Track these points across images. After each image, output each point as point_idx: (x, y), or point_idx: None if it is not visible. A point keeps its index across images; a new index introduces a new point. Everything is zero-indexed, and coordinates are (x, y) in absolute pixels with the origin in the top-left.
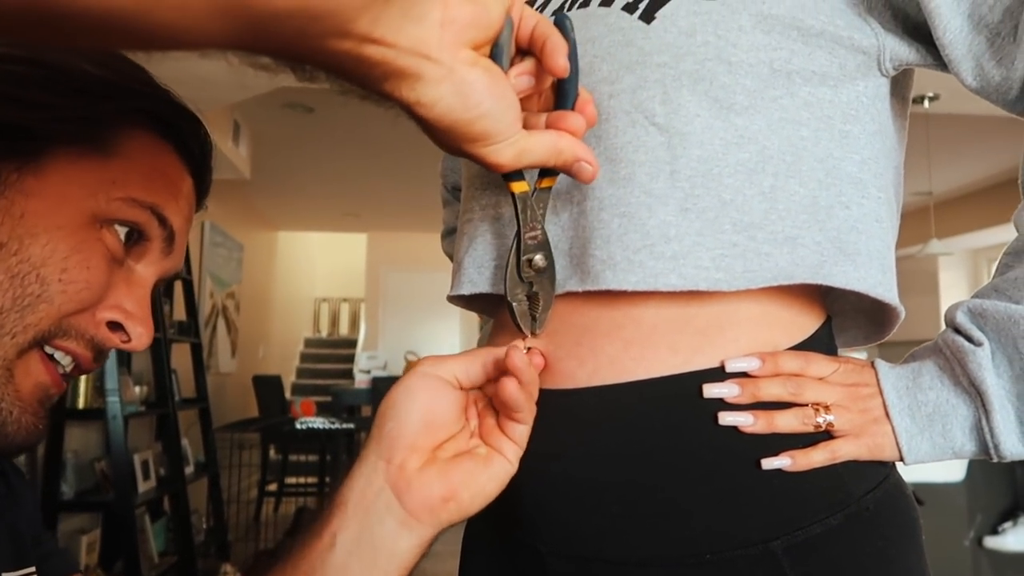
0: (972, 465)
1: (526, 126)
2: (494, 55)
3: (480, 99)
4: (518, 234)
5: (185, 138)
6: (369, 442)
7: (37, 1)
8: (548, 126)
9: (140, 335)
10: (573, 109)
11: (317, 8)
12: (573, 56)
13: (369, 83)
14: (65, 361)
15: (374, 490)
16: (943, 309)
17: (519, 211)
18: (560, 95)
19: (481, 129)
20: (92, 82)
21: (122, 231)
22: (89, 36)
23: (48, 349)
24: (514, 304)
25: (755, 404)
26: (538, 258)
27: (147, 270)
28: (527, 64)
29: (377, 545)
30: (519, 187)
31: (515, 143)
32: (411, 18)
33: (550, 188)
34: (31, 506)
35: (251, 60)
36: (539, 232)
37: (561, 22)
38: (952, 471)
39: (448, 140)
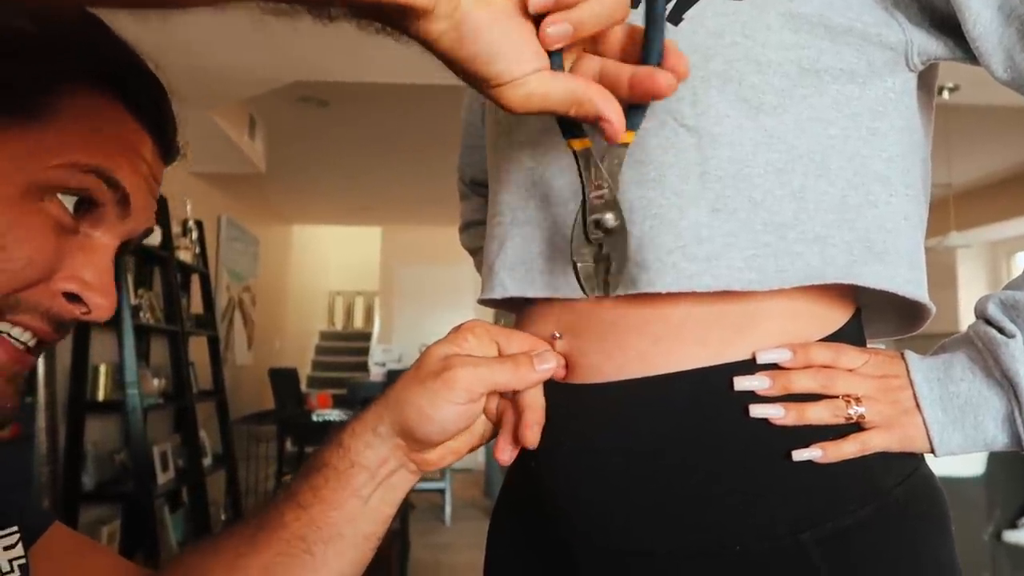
0: (991, 459)
1: (576, 68)
2: None
3: (475, 37)
4: (583, 192)
5: (135, 95)
6: (387, 419)
7: None
8: (596, 73)
9: (99, 306)
10: (658, 64)
11: None
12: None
13: (386, 20)
14: (25, 337)
15: (396, 460)
16: (961, 303)
17: (581, 169)
18: (644, 45)
19: (478, 69)
20: (22, 44)
21: (69, 200)
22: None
23: (2, 326)
24: (579, 264)
25: (785, 396)
26: (608, 217)
27: (106, 236)
28: None
29: (396, 489)
30: (578, 144)
31: (523, 85)
32: None
33: (626, 145)
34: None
35: (271, 8)
36: (605, 190)
37: None
38: (971, 465)
39: (460, 78)
